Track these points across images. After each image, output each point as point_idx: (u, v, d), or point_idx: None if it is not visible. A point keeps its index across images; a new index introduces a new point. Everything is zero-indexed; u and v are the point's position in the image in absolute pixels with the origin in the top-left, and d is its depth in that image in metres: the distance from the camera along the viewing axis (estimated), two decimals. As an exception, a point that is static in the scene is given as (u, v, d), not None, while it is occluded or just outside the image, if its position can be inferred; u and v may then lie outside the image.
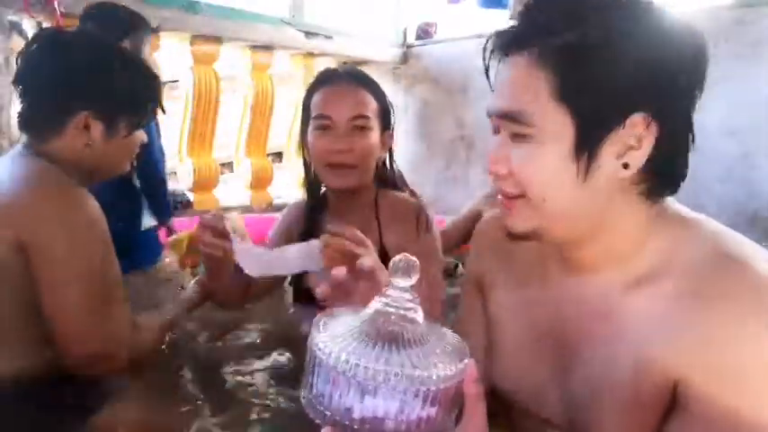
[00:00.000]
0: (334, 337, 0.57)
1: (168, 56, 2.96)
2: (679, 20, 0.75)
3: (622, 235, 0.78)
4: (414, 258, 0.61)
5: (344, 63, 3.70)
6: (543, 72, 0.73)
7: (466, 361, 0.58)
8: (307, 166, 1.52)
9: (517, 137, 0.76)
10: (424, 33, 3.98)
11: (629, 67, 0.70)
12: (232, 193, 3.51)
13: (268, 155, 3.52)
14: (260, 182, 3.36)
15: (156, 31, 2.72)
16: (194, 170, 3.12)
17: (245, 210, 3.21)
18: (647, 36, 0.71)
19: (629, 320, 0.76)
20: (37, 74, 1.22)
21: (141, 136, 1.33)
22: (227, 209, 3.17)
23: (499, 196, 0.82)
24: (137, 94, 1.29)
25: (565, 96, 0.73)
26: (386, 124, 1.50)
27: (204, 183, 3.16)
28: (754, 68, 2.74)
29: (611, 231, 0.78)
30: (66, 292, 1.09)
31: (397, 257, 0.61)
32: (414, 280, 0.61)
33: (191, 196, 3.13)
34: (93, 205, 1.16)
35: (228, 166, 4.05)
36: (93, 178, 1.27)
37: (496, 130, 0.81)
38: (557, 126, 0.73)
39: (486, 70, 0.83)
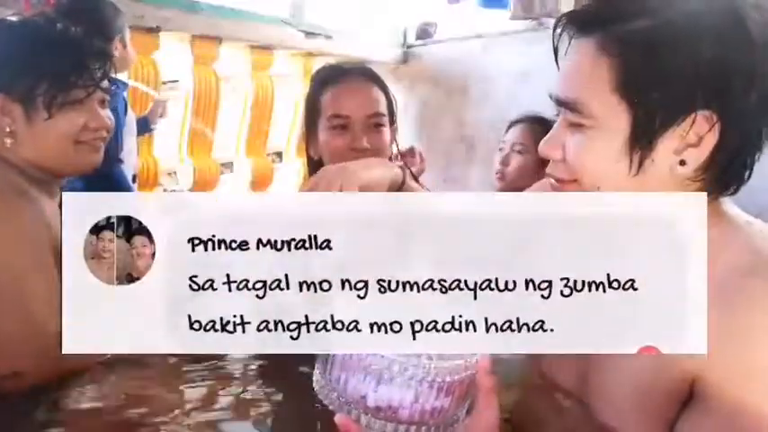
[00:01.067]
0: None
1: (168, 56, 2.97)
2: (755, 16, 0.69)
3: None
4: None
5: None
6: (608, 59, 0.72)
7: (480, 353, 0.57)
8: (312, 165, 1.48)
9: (573, 125, 0.76)
10: (424, 33, 3.99)
11: (697, 62, 0.67)
12: (232, 193, 3.51)
13: (268, 155, 3.52)
14: (260, 182, 3.36)
15: (156, 30, 2.75)
16: (194, 170, 3.12)
17: (246, 209, 3.20)
18: (721, 30, 0.67)
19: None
20: None
21: (79, 118, 1.14)
22: (228, 208, 3.16)
23: (552, 180, 0.81)
24: (50, 68, 1.11)
25: (627, 88, 0.71)
26: (392, 119, 1.49)
27: (204, 183, 3.16)
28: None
29: None
30: None
31: None
32: None
33: (190, 196, 3.13)
34: (13, 218, 1.03)
35: (228, 166, 4.05)
36: (56, 175, 1.16)
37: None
38: (614, 118, 0.72)
39: (555, 51, 0.80)
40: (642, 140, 0.71)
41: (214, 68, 3.10)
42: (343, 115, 1.38)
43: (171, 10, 2.77)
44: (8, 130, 1.09)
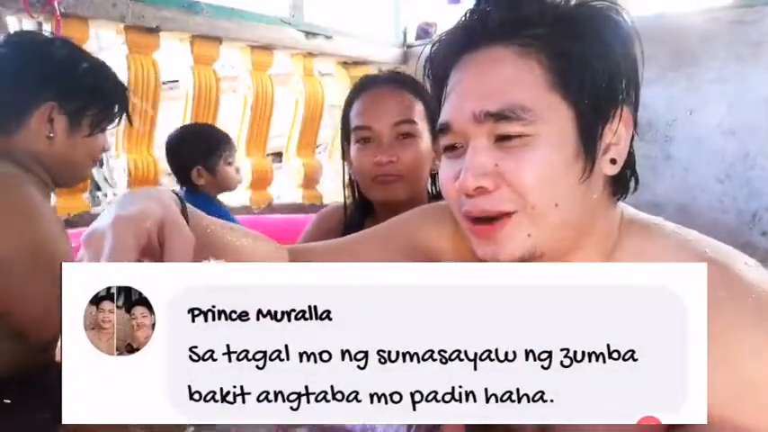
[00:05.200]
0: None
1: (168, 56, 2.96)
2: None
3: (597, 243, 0.72)
4: None
5: (344, 63, 3.70)
6: (535, 63, 0.68)
7: None
8: (351, 181, 1.40)
9: (511, 139, 0.67)
10: (424, 33, 3.98)
11: (618, 57, 0.68)
12: (232, 193, 3.51)
13: (268, 155, 3.51)
14: (260, 182, 3.35)
15: (156, 30, 2.73)
16: (194, 170, 3.12)
17: (245, 210, 3.20)
18: (626, 28, 0.69)
19: None
20: (4, 70, 1.26)
21: (104, 141, 1.34)
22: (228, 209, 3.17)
23: (467, 224, 0.71)
24: (102, 93, 1.31)
25: (566, 84, 0.67)
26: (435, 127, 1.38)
27: (204, 183, 3.15)
28: (754, 69, 2.74)
29: (589, 239, 0.71)
30: (23, 285, 1.11)
31: None
32: None
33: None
34: (22, 194, 1.16)
35: (228, 166, 4.05)
36: (55, 181, 1.30)
37: (452, 146, 0.72)
38: (558, 119, 0.67)
39: (435, 75, 0.77)
40: (588, 140, 0.68)
41: (214, 68, 3.09)
42: (365, 126, 1.29)
43: (171, 10, 2.77)
44: (49, 135, 1.24)
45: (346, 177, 1.45)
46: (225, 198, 2.78)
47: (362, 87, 1.36)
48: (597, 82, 0.67)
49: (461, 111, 0.69)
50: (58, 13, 2.34)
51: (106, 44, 3.83)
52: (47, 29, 2.38)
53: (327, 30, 3.46)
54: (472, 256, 0.73)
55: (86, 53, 1.35)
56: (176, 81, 3.04)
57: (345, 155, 1.39)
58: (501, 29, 0.69)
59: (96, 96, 1.29)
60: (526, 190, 0.66)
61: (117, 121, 1.37)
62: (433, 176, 1.38)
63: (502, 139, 0.67)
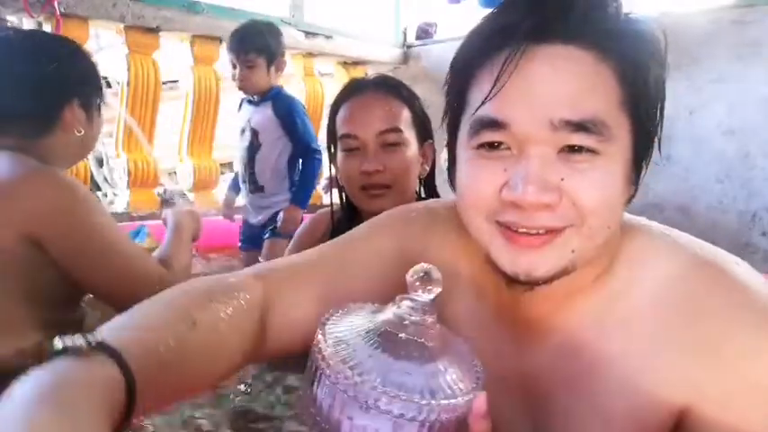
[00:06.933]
0: (337, 342, 0.53)
1: (168, 56, 2.96)
2: None
3: (606, 253, 0.67)
4: (436, 269, 0.55)
5: (344, 63, 3.70)
6: (611, 73, 0.61)
7: (475, 393, 0.52)
8: (339, 188, 1.37)
9: (580, 153, 0.60)
10: (424, 33, 3.98)
11: (661, 73, 0.64)
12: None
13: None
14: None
15: (156, 30, 2.74)
16: (194, 170, 3.12)
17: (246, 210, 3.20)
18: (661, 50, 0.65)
19: (609, 351, 0.66)
20: (9, 78, 1.29)
21: (101, 121, 1.42)
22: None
23: (502, 234, 0.63)
24: (97, 77, 1.39)
25: (632, 106, 0.62)
26: (424, 134, 1.34)
27: (204, 183, 3.16)
28: (754, 68, 2.74)
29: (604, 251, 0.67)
30: (93, 261, 1.24)
31: (419, 267, 0.56)
32: (434, 294, 0.55)
33: (191, 196, 3.13)
34: (76, 181, 1.28)
35: (228, 166, 4.04)
36: (69, 164, 1.42)
37: (493, 144, 0.63)
38: (623, 141, 0.62)
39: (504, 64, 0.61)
40: (640, 165, 0.64)
41: (214, 68, 3.09)
42: (352, 134, 1.26)
43: (171, 10, 2.77)
44: (79, 131, 1.33)
45: (333, 182, 1.43)
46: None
47: (350, 92, 1.34)
48: (655, 106, 0.64)
49: (531, 113, 0.60)
50: (58, 13, 2.35)
51: (106, 44, 3.82)
52: (47, 29, 2.38)
53: (327, 30, 3.46)
54: (486, 266, 0.69)
55: (75, 43, 1.43)
56: (176, 81, 3.04)
57: (332, 159, 1.37)
58: (584, 25, 0.61)
59: (95, 81, 1.38)
60: (590, 209, 0.61)
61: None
62: (421, 180, 1.37)
63: (568, 150, 0.60)
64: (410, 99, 1.33)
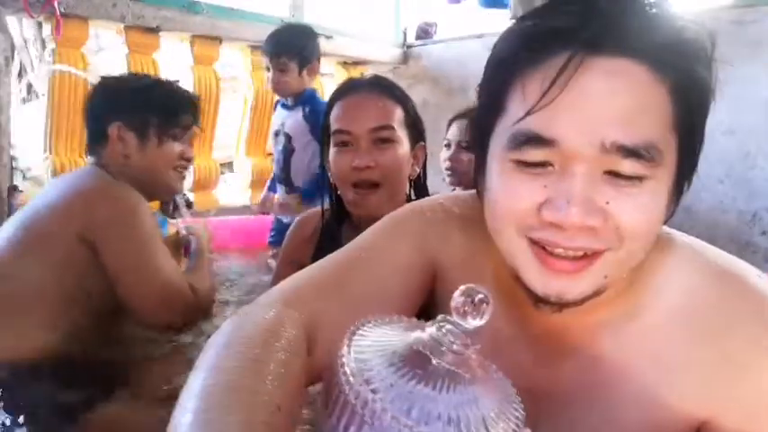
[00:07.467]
0: (363, 361, 0.48)
1: (168, 56, 2.96)
2: None
3: (633, 269, 0.64)
4: (488, 295, 0.49)
5: (344, 63, 3.70)
6: (666, 91, 0.57)
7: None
8: (331, 188, 1.39)
9: (628, 178, 0.57)
10: (424, 33, 3.98)
11: (711, 87, 0.61)
12: (232, 193, 3.51)
13: (268, 155, 3.51)
14: (260, 182, 3.35)
15: (156, 30, 2.73)
16: (194, 170, 3.12)
17: (246, 210, 3.21)
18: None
19: (627, 363, 0.65)
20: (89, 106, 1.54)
21: (178, 148, 1.51)
22: (228, 209, 3.17)
23: (536, 254, 0.60)
24: (164, 106, 1.50)
25: (683, 129, 0.59)
26: (416, 136, 1.35)
27: (204, 183, 3.16)
28: (754, 69, 2.74)
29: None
30: (136, 274, 1.37)
31: (469, 289, 0.49)
32: (482, 323, 0.49)
33: (191, 196, 3.13)
34: (136, 196, 1.40)
35: (228, 166, 4.05)
36: (151, 196, 1.51)
37: (536, 162, 0.58)
38: (669, 166, 0.59)
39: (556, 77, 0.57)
40: (681, 190, 0.62)
41: (214, 68, 3.09)
42: (344, 130, 1.28)
43: (171, 10, 2.77)
44: (125, 154, 1.46)
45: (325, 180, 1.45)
46: (226, 198, 2.78)
47: (344, 91, 1.36)
48: (704, 123, 0.62)
49: (581, 132, 0.56)
50: (58, 13, 2.34)
51: (106, 44, 3.82)
52: (47, 29, 2.38)
53: (327, 30, 3.46)
54: (512, 278, 0.66)
55: (145, 75, 1.65)
56: (176, 81, 3.03)
57: (324, 157, 1.39)
58: (641, 37, 0.56)
59: (157, 110, 1.49)
60: (631, 234, 0.58)
61: (188, 130, 1.56)
62: (411, 182, 1.38)
63: (615, 174, 0.57)
64: (404, 100, 1.34)
